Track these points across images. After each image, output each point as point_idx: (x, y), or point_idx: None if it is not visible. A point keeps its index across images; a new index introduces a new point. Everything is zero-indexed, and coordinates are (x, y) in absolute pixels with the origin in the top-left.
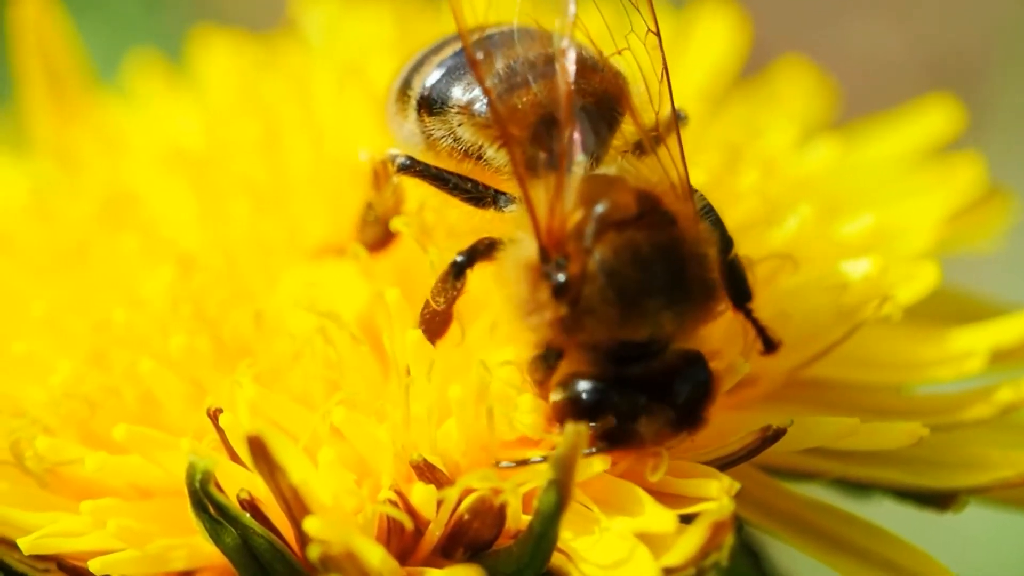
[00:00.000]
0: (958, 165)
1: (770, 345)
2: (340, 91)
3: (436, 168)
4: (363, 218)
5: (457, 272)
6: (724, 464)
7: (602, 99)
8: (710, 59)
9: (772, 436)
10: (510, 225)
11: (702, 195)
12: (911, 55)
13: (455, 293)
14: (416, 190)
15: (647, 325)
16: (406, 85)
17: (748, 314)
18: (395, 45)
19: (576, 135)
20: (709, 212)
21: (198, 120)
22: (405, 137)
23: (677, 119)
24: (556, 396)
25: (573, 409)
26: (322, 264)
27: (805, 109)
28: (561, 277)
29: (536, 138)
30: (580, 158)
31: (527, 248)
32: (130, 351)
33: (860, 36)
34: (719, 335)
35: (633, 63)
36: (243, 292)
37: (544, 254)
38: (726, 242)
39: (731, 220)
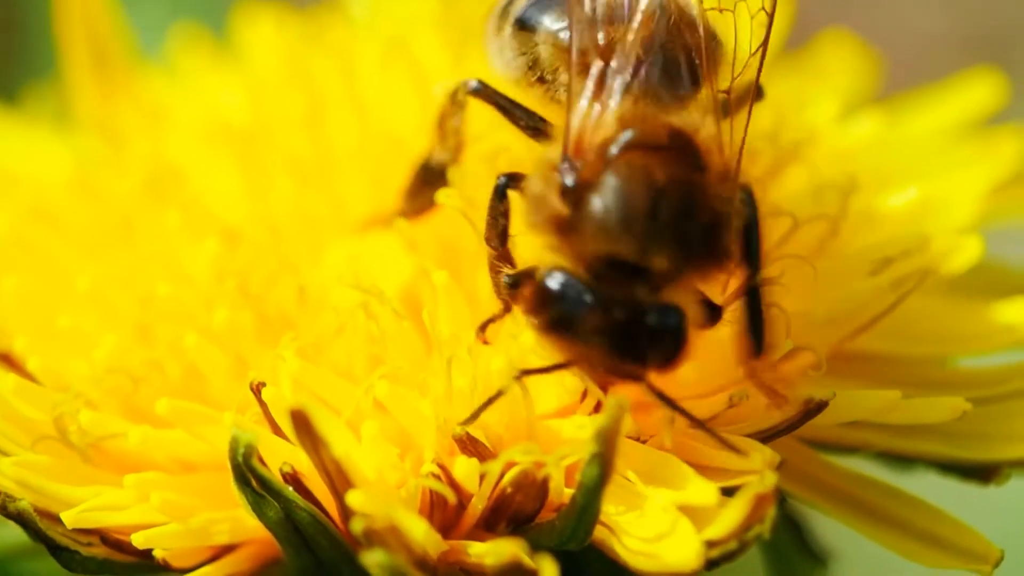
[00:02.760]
0: (1001, 139)
1: (776, 399)
2: (384, 66)
3: (504, 96)
4: (416, 178)
5: (500, 194)
6: (766, 436)
7: (688, 53)
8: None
9: (815, 408)
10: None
11: (752, 197)
12: (955, 29)
13: (503, 221)
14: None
15: (636, 249)
16: (509, 3)
17: (751, 374)
18: (439, 21)
19: (634, 64)
20: (750, 226)
21: (242, 95)
22: (494, 52)
23: (756, 92)
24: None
25: (538, 293)
26: (366, 238)
27: (849, 83)
28: (571, 178)
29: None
30: (629, 83)
31: (554, 152)
32: (174, 325)
33: (904, 10)
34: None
35: (731, 24)
36: (287, 266)
37: (565, 156)
38: (760, 259)
39: (776, 192)
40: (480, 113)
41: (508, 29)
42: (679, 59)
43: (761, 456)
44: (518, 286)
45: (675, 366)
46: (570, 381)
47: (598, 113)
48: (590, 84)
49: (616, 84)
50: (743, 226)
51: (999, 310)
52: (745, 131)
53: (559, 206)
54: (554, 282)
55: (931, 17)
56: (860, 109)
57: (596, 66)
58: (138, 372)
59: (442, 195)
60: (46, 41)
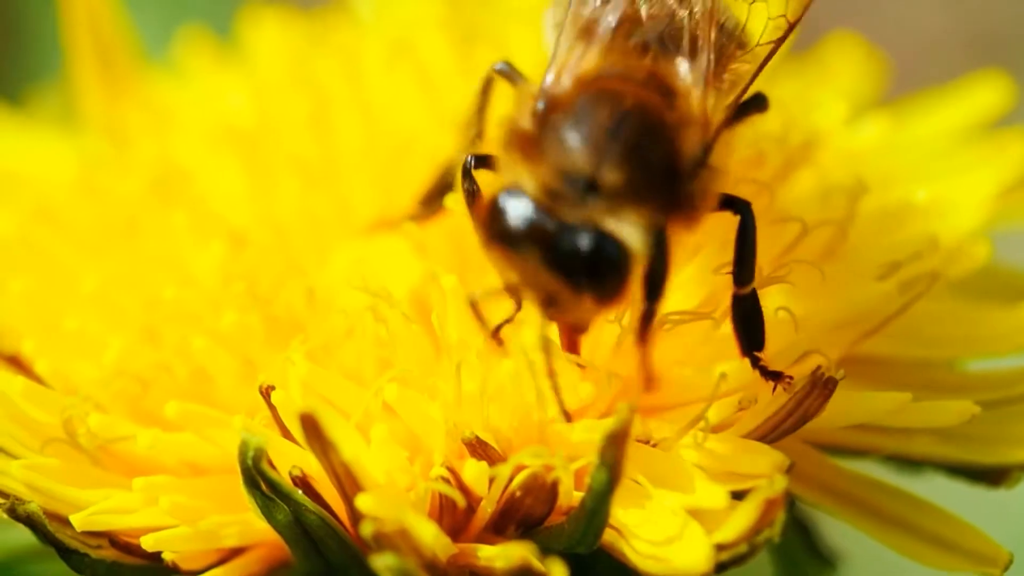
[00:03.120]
0: (1008, 141)
1: (775, 378)
2: (390, 68)
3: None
4: (436, 183)
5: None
6: (780, 421)
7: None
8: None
9: (824, 382)
10: None
11: (749, 207)
12: (962, 31)
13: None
14: None
15: (591, 161)
16: None
17: (755, 363)
18: (445, 22)
19: (626, 9)
20: (745, 226)
21: (248, 96)
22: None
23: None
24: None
25: (488, 206)
26: (373, 240)
27: (855, 85)
28: (543, 103)
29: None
30: (619, 26)
31: (536, 85)
32: (182, 328)
33: (911, 12)
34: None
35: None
36: (294, 269)
37: (543, 84)
38: (748, 272)
39: (785, 194)
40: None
41: None
42: (682, 27)
43: (770, 460)
44: (474, 196)
45: (611, 298)
46: (583, 387)
47: (582, 50)
48: (581, 21)
49: (605, 24)
50: (739, 230)
51: (1008, 313)
52: (732, 107)
53: (528, 125)
54: (504, 196)
55: (936, 18)
56: (867, 111)
57: (592, 5)
58: (147, 375)
59: (451, 200)
60: (51, 42)
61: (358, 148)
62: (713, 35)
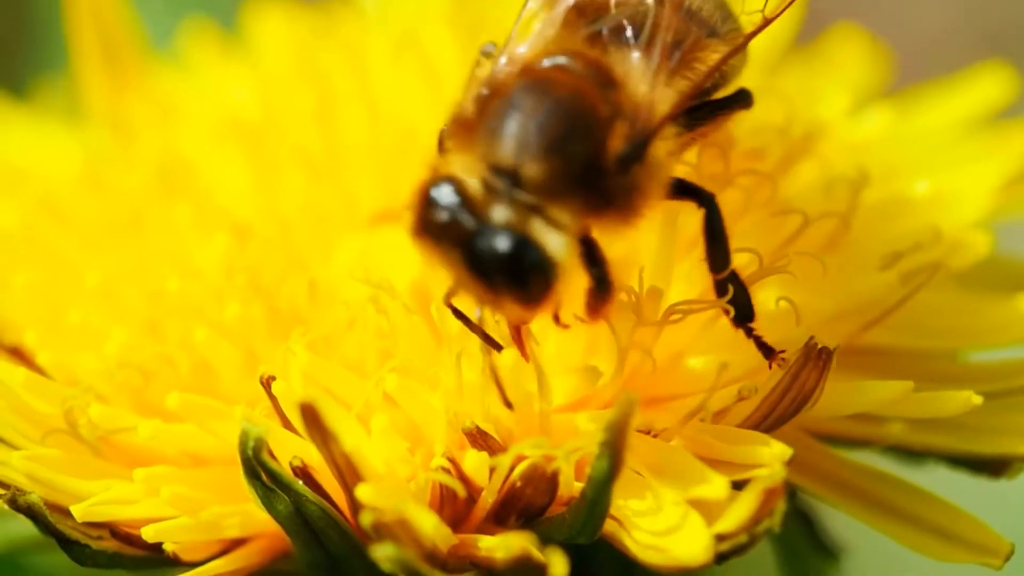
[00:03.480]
0: (1012, 132)
1: (768, 353)
2: (395, 61)
3: None
4: None
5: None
6: (777, 400)
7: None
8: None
9: (818, 353)
10: None
11: (713, 200)
12: (965, 23)
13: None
14: None
15: (513, 152)
16: None
17: (748, 332)
18: (450, 15)
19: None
20: (711, 219)
21: (253, 89)
22: None
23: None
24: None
25: (418, 195)
26: (376, 233)
27: (859, 77)
28: (487, 88)
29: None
30: (569, 14)
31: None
32: (184, 320)
33: (913, 8)
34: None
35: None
36: (297, 261)
37: (491, 71)
38: (721, 263)
39: (787, 185)
40: None
41: None
42: (646, 12)
43: (771, 450)
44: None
45: (532, 303)
46: (582, 376)
47: (537, 32)
48: (532, 6)
49: (556, 13)
50: (705, 223)
51: (1010, 304)
52: (686, 98)
53: (470, 110)
54: (434, 187)
55: (940, 11)
56: (870, 103)
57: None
58: (148, 366)
59: None
60: (56, 35)
61: (362, 141)
62: (675, 21)
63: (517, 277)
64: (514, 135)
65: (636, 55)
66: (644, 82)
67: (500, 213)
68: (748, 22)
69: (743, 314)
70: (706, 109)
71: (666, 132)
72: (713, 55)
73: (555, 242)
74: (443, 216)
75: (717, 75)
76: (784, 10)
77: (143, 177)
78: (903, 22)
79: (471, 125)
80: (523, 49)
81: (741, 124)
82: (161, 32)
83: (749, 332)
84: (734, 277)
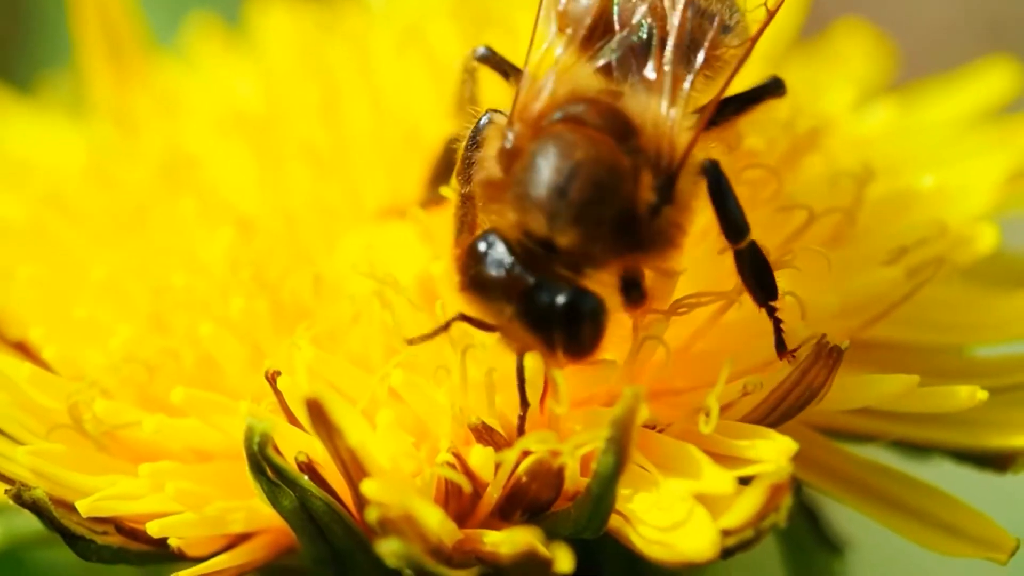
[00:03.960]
0: (1016, 127)
1: (781, 347)
2: (400, 55)
3: (510, 64)
4: (438, 166)
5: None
6: (782, 396)
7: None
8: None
9: (828, 351)
10: None
11: (716, 166)
12: (970, 18)
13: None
14: None
15: (544, 223)
16: None
17: (771, 312)
18: (454, 9)
19: (586, 34)
20: (716, 187)
21: (257, 84)
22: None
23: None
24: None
25: (466, 251)
26: (381, 227)
27: (864, 71)
28: (510, 141)
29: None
30: (579, 53)
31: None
32: (189, 315)
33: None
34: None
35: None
36: (302, 255)
37: (510, 120)
38: (735, 229)
39: (792, 180)
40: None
41: None
42: (650, 38)
43: (776, 445)
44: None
45: (585, 353)
46: (587, 372)
47: (545, 81)
48: (541, 50)
49: (564, 54)
50: (710, 193)
51: (1015, 299)
52: (705, 117)
53: (495, 168)
54: (482, 242)
55: (944, 5)
56: (875, 97)
57: (551, 32)
58: (153, 361)
59: (447, 190)
60: (61, 29)
61: (367, 135)
62: (688, 22)
63: (573, 329)
64: (541, 205)
65: (647, 89)
66: (662, 118)
67: (548, 266)
68: (751, 19)
69: (766, 290)
70: (734, 104)
71: (691, 160)
72: (729, 51)
73: (604, 289)
74: (496, 271)
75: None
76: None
77: (148, 171)
78: (907, 17)
79: (500, 185)
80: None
81: (747, 119)
82: (165, 27)
83: (772, 312)
84: (755, 251)
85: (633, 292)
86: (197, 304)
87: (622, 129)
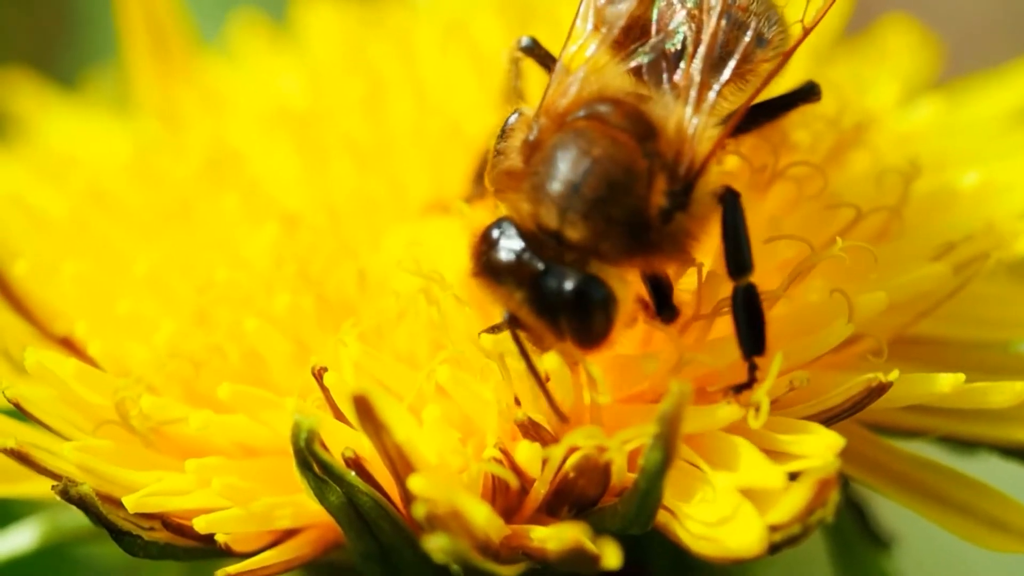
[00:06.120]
0: None
1: (738, 390)
2: (444, 50)
3: (553, 57)
4: (485, 161)
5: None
6: (829, 417)
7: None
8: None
9: (877, 389)
10: None
11: (735, 200)
12: (1012, 15)
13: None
14: None
15: (555, 215)
16: None
17: (751, 369)
18: (499, 4)
19: (618, 35)
20: (731, 217)
21: (302, 79)
22: None
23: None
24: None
25: (480, 236)
26: (426, 222)
27: (909, 67)
28: (533, 134)
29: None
30: (608, 54)
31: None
32: (234, 310)
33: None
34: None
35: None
36: (347, 251)
37: (537, 115)
38: (738, 264)
39: (839, 175)
40: None
41: None
42: (684, 45)
43: (824, 441)
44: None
45: (593, 342)
46: (633, 367)
47: (574, 79)
48: (575, 48)
49: (597, 53)
50: (723, 221)
51: None
52: (729, 128)
53: (517, 158)
54: (495, 228)
55: (982, 6)
56: (921, 93)
57: (587, 30)
58: (199, 357)
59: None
60: (106, 26)
61: (411, 130)
62: (720, 32)
63: (581, 316)
64: (554, 200)
65: (674, 95)
66: (684, 125)
67: (559, 256)
68: (793, 32)
69: (753, 342)
70: (767, 108)
71: (712, 165)
72: (764, 64)
73: (615, 283)
74: (507, 256)
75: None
76: (823, 16)
77: (192, 167)
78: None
79: (519, 175)
80: (573, 84)
81: (792, 115)
82: (211, 23)
83: (752, 369)
84: (751, 294)
85: (665, 309)
86: (241, 300)
87: (643, 131)
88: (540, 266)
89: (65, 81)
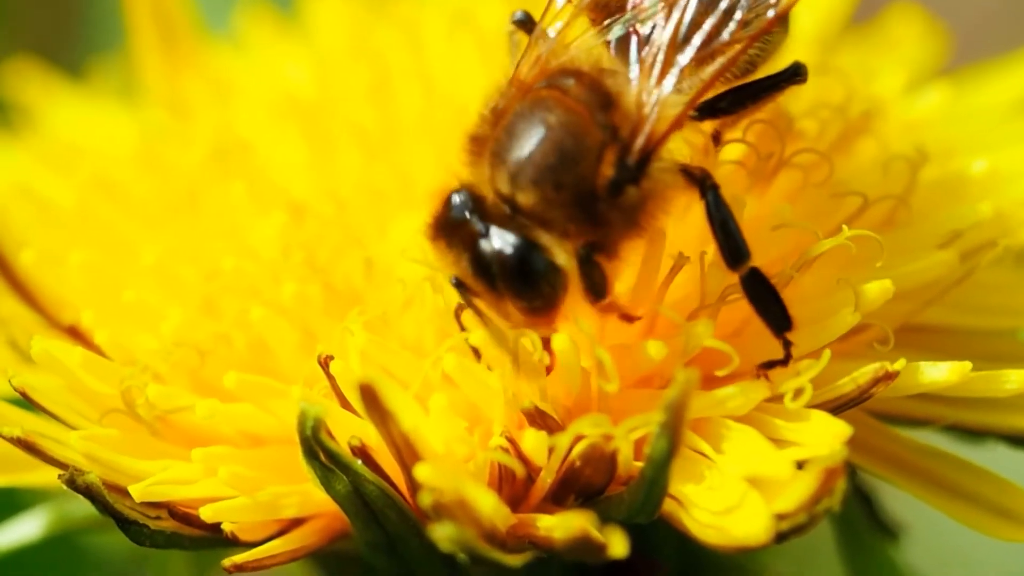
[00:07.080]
0: None
1: (769, 366)
2: (450, 38)
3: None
4: None
5: None
6: (837, 406)
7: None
8: (822, 4)
9: (884, 377)
10: None
11: (715, 189)
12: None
13: None
14: None
15: (507, 179)
16: None
17: (787, 346)
18: None
19: (583, 11)
20: (714, 209)
21: (308, 67)
22: None
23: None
24: None
25: (443, 200)
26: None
27: (916, 56)
28: (500, 103)
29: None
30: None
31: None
32: (240, 299)
33: None
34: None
35: None
36: (353, 239)
37: (508, 85)
38: (733, 254)
39: (845, 163)
40: None
41: None
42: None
43: (831, 429)
44: None
45: (537, 311)
46: (641, 357)
47: (543, 50)
48: (549, 21)
49: (570, 26)
50: (707, 216)
51: None
52: (689, 106)
53: (484, 126)
54: (456, 195)
55: None
56: (927, 81)
57: (559, 4)
58: (205, 346)
59: None
60: (113, 14)
61: (418, 119)
62: (689, 14)
63: (519, 282)
64: (508, 165)
65: (639, 70)
66: (643, 100)
67: (507, 222)
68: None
69: (778, 321)
70: (750, 90)
71: (672, 141)
72: (735, 46)
73: (558, 253)
74: (455, 218)
75: (745, 62)
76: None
77: (199, 156)
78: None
79: (483, 140)
80: (542, 56)
81: (798, 102)
82: (217, 11)
83: (788, 346)
84: (757, 278)
85: (593, 271)
86: (248, 288)
87: (600, 103)
88: (482, 228)
89: (72, 70)
